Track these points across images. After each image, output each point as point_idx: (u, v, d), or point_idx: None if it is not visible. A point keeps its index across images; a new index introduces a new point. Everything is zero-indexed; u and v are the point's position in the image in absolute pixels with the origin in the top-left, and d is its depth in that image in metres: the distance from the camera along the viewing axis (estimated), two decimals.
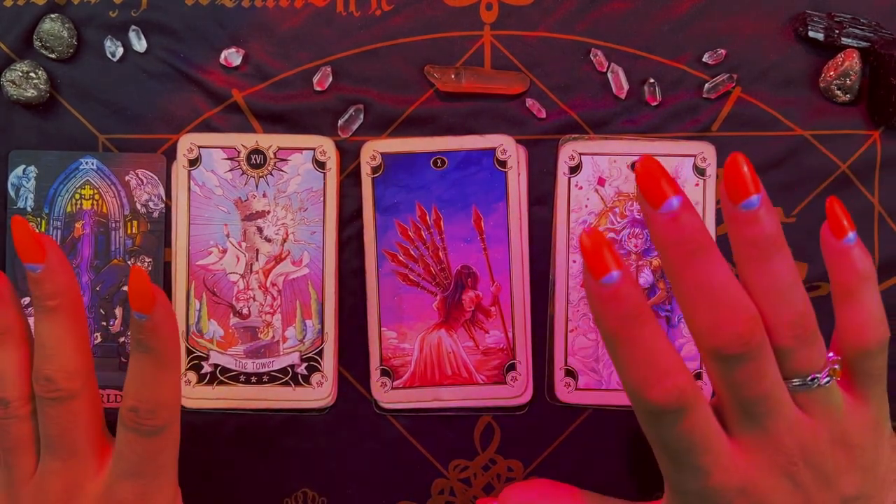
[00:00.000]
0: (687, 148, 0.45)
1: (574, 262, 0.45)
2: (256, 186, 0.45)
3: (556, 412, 0.46)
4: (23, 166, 0.46)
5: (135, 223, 0.46)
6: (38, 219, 0.45)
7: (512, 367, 0.45)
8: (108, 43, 0.45)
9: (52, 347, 0.36)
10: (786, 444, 0.33)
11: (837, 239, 0.35)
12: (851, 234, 0.35)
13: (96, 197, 0.46)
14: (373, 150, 0.45)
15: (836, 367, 0.34)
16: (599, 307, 0.32)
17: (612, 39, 0.45)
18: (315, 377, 0.45)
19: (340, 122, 0.46)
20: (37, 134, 0.46)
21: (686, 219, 0.32)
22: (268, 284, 0.45)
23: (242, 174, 0.45)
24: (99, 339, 0.45)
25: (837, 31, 0.44)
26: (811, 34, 0.44)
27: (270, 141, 0.45)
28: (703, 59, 0.45)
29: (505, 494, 0.42)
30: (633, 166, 0.45)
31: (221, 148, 0.45)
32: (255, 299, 0.45)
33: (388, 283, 0.45)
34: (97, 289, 0.46)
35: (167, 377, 0.36)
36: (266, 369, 0.45)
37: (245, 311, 0.45)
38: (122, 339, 0.46)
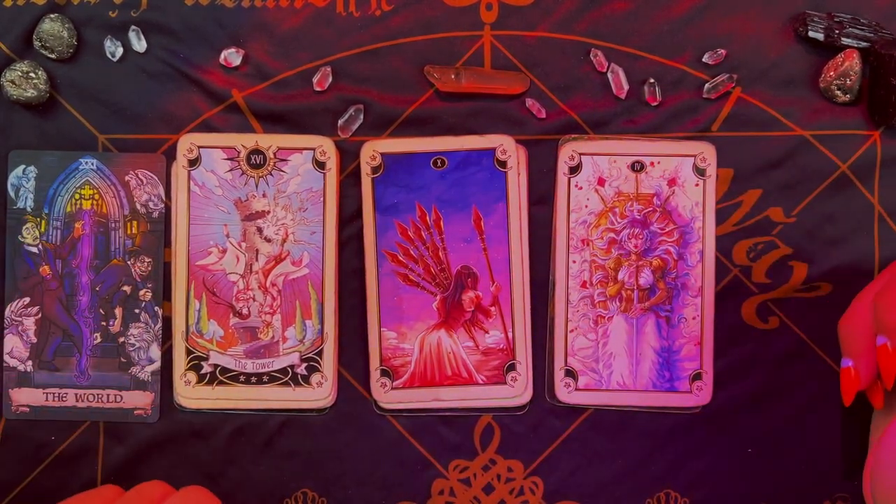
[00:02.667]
0: (687, 148, 0.45)
1: (574, 262, 0.45)
2: (256, 186, 0.45)
3: (556, 412, 0.46)
4: (23, 166, 0.45)
5: (134, 223, 0.46)
6: (38, 219, 0.45)
7: (512, 368, 0.45)
8: (107, 43, 0.45)
9: None
10: None
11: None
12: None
13: (96, 197, 0.46)
14: (373, 150, 0.45)
15: None
16: None
17: (611, 39, 0.45)
18: (315, 377, 0.45)
19: (340, 122, 0.46)
20: (37, 134, 0.46)
21: None
22: (268, 285, 0.45)
23: (242, 174, 0.45)
24: (99, 339, 0.45)
25: (837, 32, 0.44)
26: (811, 34, 0.44)
27: (270, 141, 0.45)
28: (703, 60, 0.45)
29: None
30: (633, 166, 0.45)
31: (221, 148, 0.45)
32: (254, 299, 0.45)
33: (388, 284, 0.45)
34: (97, 289, 0.46)
35: None
36: (266, 369, 0.45)
37: (245, 311, 0.45)
38: (121, 339, 0.46)
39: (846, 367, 0.40)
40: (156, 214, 0.46)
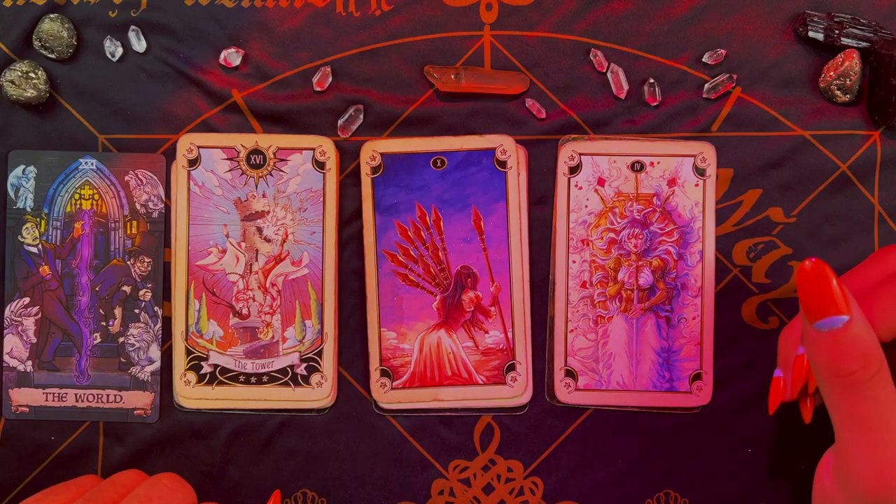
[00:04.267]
0: (687, 148, 0.45)
1: (574, 262, 0.45)
2: (256, 186, 0.45)
3: (556, 412, 0.46)
4: (22, 166, 0.45)
5: (134, 223, 0.46)
6: (38, 219, 0.45)
7: (512, 368, 0.45)
8: (107, 43, 0.45)
9: None
10: None
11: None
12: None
13: (96, 197, 0.46)
14: (372, 151, 0.45)
15: None
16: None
17: (611, 39, 0.45)
18: (315, 377, 0.45)
19: (340, 122, 0.46)
20: (36, 134, 0.46)
21: (847, 343, 0.29)
22: (267, 285, 0.45)
23: (242, 174, 0.45)
24: (98, 339, 0.45)
25: (837, 32, 0.44)
26: (811, 34, 0.44)
27: (270, 141, 0.45)
28: (703, 60, 0.45)
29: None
30: (633, 166, 0.45)
31: (221, 148, 0.45)
32: (254, 299, 0.45)
33: (388, 284, 0.45)
34: (97, 289, 0.46)
35: None
36: (266, 370, 0.45)
37: (245, 311, 0.45)
38: (121, 340, 0.46)
39: (776, 378, 0.40)
40: (155, 214, 0.46)
